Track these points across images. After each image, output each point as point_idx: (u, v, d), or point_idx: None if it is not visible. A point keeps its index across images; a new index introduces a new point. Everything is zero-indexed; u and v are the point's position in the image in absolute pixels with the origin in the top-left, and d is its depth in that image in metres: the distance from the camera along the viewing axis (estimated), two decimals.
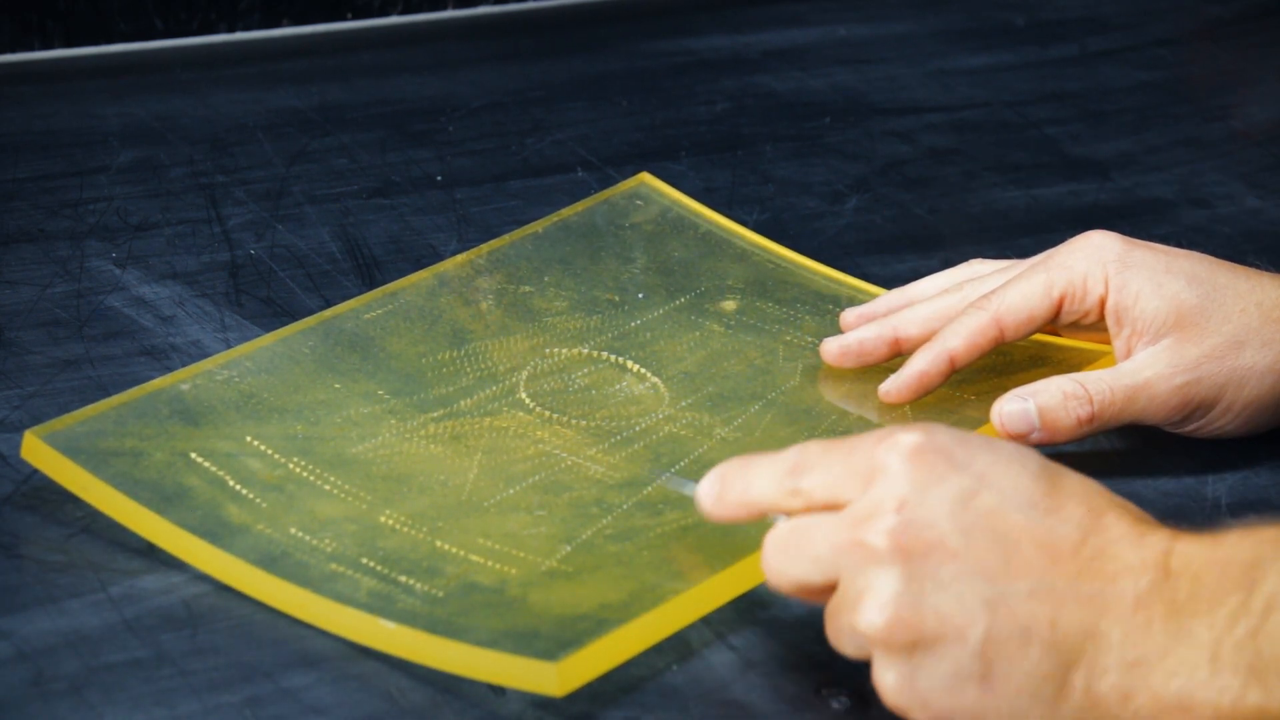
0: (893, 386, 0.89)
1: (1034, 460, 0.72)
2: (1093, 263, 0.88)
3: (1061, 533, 0.70)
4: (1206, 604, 0.68)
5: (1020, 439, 0.87)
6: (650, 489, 0.84)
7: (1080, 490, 0.71)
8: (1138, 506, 0.72)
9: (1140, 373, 0.87)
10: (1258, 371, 0.87)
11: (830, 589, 0.72)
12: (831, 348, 0.92)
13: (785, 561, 0.72)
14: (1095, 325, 0.90)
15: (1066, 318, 0.89)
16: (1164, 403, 0.87)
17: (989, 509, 0.70)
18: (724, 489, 0.75)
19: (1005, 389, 0.89)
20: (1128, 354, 0.88)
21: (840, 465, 0.72)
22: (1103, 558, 0.69)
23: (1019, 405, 0.87)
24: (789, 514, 0.73)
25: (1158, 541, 0.70)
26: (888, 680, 0.70)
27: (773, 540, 0.73)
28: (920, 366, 0.89)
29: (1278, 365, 0.88)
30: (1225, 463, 0.89)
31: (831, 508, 0.72)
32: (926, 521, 0.69)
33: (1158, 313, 0.87)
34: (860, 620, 0.70)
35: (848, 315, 0.94)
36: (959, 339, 0.89)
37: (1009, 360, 0.93)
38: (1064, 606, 0.69)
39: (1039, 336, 0.93)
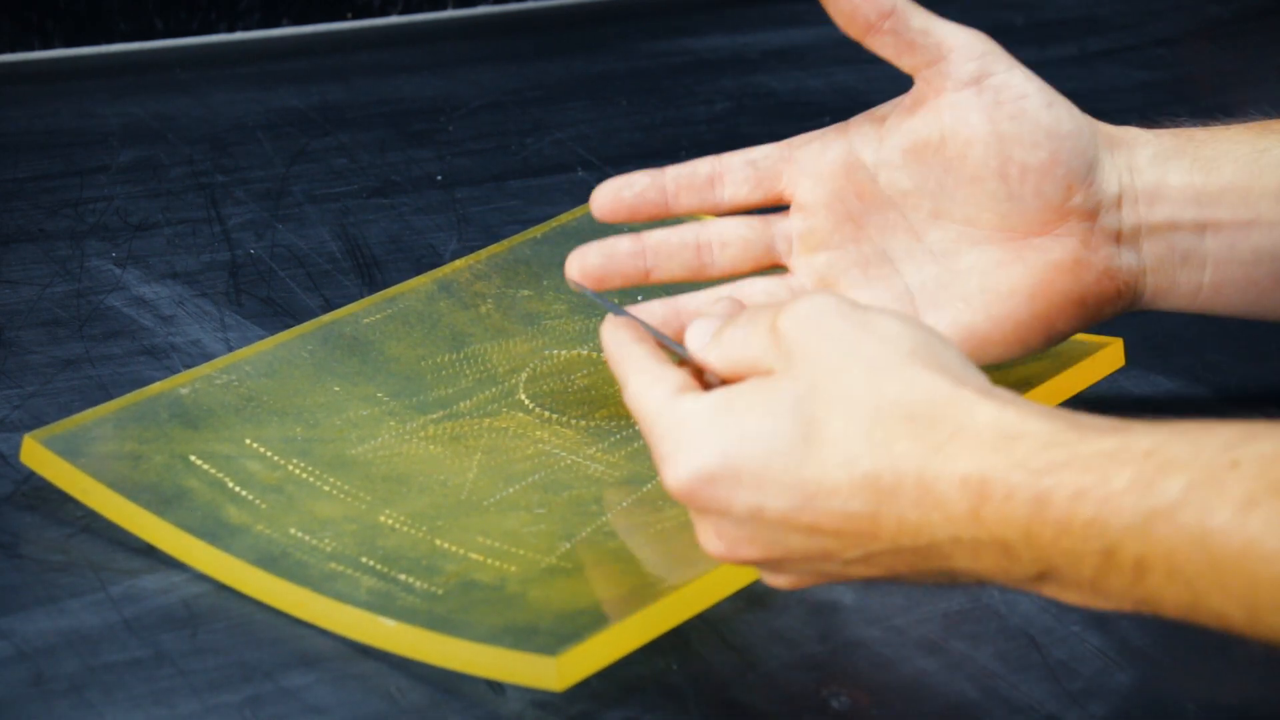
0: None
1: (785, 430, 0.68)
2: None
3: (852, 510, 0.67)
4: (1065, 559, 0.64)
5: None
6: (650, 486, 0.84)
7: (842, 450, 0.67)
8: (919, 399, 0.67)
9: None
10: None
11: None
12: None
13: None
14: None
15: None
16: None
17: (780, 515, 0.68)
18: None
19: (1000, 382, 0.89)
20: None
21: None
22: (907, 529, 0.66)
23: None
24: None
25: (954, 499, 0.65)
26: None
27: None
28: None
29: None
30: None
31: None
32: (741, 544, 0.70)
33: None
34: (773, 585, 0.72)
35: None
36: None
37: None
38: (911, 564, 0.67)
39: None
